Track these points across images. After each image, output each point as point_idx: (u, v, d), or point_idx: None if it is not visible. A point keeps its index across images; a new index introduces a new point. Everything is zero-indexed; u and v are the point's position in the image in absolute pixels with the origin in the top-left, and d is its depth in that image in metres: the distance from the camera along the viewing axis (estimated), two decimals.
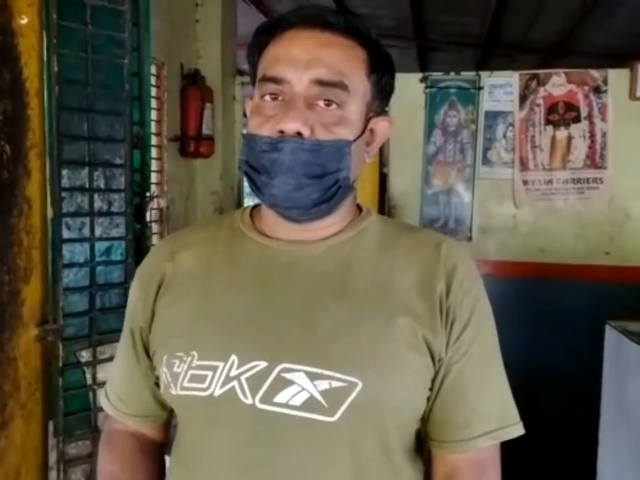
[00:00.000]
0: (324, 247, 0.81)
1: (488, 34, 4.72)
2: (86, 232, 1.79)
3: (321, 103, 0.75)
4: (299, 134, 0.73)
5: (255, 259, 0.82)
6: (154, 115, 2.75)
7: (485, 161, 3.52)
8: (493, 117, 3.48)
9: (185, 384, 0.75)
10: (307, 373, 0.71)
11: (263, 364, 0.72)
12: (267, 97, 0.77)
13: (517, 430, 0.79)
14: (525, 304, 3.49)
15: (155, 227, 2.86)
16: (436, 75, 3.54)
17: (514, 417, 0.80)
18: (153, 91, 2.73)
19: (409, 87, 3.49)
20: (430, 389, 0.77)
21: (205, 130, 3.17)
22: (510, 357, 3.48)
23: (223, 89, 3.43)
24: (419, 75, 3.52)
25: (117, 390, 0.91)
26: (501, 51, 5.12)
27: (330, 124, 0.75)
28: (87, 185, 1.78)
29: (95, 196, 1.81)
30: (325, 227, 0.81)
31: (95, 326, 1.81)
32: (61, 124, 1.69)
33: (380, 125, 0.83)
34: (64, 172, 1.73)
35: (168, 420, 0.92)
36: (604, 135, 3.38)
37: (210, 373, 0.74)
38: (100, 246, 1.83)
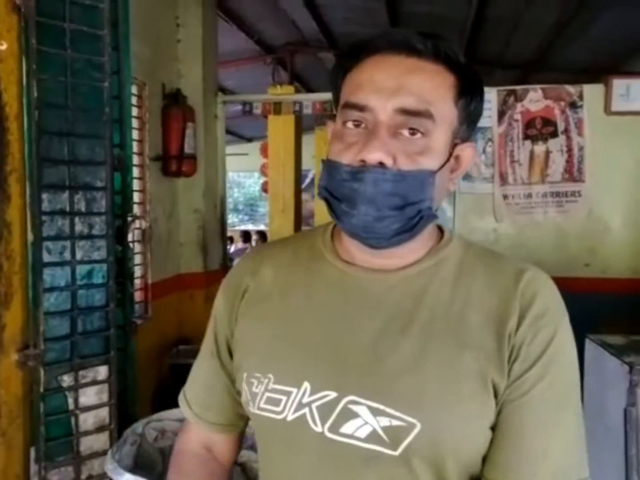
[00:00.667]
0: (400, 277, 0.79)
1: (466, 51, 4.80)
2: (67, 255, 1.79)
3: (405, 132, 0.72)
4: (381, 163, 0.71)
5: (332, 285, 0.81)
6: (135, 135, 2.76)
7: (466, 176, 3.55)
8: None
9: (262, 405, 0.77)
10: (370, 408, 0.72)
11: (333, 394, 0.73)
12: (349, 124, 0.75)
13: None
14: None
15: (137, 247, 2.86)
16: None
17: (578, 471, 0.73)
18: (134, 111, 2.74)
19: None
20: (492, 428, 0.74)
21: (187, 149, 3.19)
22: None
23: (205, 107, 3.45)
24: None
25: (199, 397, 0.91)
26: (479, 67, 5.20)
27: (414, 154, 0.72)
28: (67, 209, 1.78)
29: (76, 219, 1.80)
30: (405, 254, 0.80)
31: (77, 350, 1.80)
32: (41, 148, 1.70)
33: (466, 152, 0.79)
34: (44, 195, 1.73)
35: (242, 433, 0.94)
36: (581, 149, 3.44)
37: (284, 398, 0.76)
38: (81, 269, 1.83)
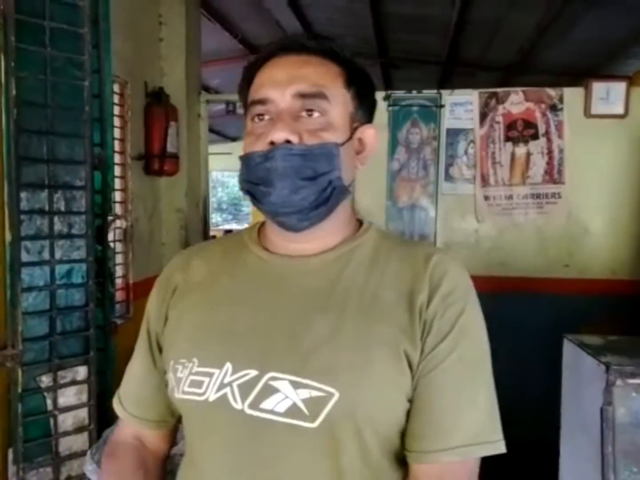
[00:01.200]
0: (317, 262, 0.85)
1: (449, 53, 4.83)
2: (46, 255, 1.77)
3: (304, 113, 0.81)
4: (288, 142, 0.79)
5: (253, 272, 0.87)
6: (117, 133, 2.74)
7: (448, 177, 3.57)
8: (454, 134, 3.55)
9: (186, 389, 0.80)
10: (291, 382, 0.75)
11: (253, 372, 0.77)
12: (256, 119, 0.83)
13: (493, 449, 0.78)
14: (487, 317, 3.54)
15: (119, 247, 2.84)
16: (398, 93, 3.60)
17: (492, 435, 0.79)
18: (116, 110, 2.72)
19: None
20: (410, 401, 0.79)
21: (170, 148, 3.17)
22: None
23: (188, 106, 3.43)
24: (382, 93, 3.57)
25: (132, 393, 0.94)
26: (462, 69, 5.24)
27: (316, 130, 0.81)
28: (46, 208, 1.77)
29: (56, 219, 1.79)
30: (323, 237, 0.85)
31: (56, 350, 1.79)
32: (20, 147, 1.68)
33: (367, 133, 0.88)
34: (23, 194, 1.71)
35: (175, 430, 0.96)
36: (561, 151, 3.47)
37: (207, 379, 0.79)
38: (60, 269, 1.81)
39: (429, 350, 0.78)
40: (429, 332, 0.78)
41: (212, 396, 0.78)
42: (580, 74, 4.25)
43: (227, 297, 0.86)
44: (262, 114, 0.82)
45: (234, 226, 10.91)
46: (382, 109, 3.53)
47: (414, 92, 3.59)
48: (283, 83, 0.81)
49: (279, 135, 0.79)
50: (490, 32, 4.31)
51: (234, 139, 9.05)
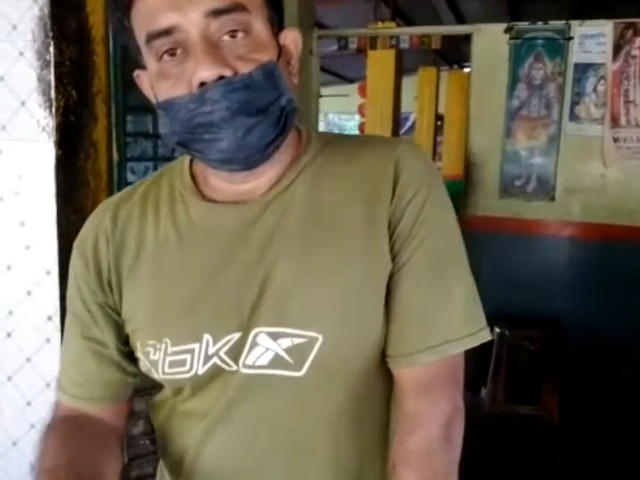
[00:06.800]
0: (266, 202, 0.75)
1: None
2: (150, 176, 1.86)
3: (226, 37, 0.67)
4: (221, 77, 0.65)
5: (204, 229, 0.77)
6: None
7: (573, 117, 3.33)
8: (583, 69, 3.27)
9: (167, 370, 0.75)
10: (269, 333, 0.71)
11: (237, 335, 0.72)
12: (165, 56, 0.67)
13: (475, 340, 0.73)
14: (611, 269, 3.32)
15: None
16: (522, 25, 3.35)
17: (471, 327, 0.73)
18: None
19: (491, 38, 3.34)
20: None
21: None
22: (592, 322, 3.32)
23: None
24: (503, 25, 3.34)
25: (73, 377, 0.83)
26: (598, 2, 4.75)
27: (246, 54, 0.67)
28: (150, 131, 1.85)
29: (159, 142, 1.87)
30: (272, 166, 0.74)
31: None
32: (126, 74, 1.75)
33: (289, 37, 0.74)
34: (128, 118, 1.79)
35: (129, 400, 0.86)
36: None
37: (188, 356, 0.74)
38: None
39: (397, 252, 0.73)
40: (394, 236, 0.73)
41: (200, 369, 0.73)
42: None
43: (180, 265, 0.76)
44: (172, 48, 0.66)
45: None
46: (502, 43, 3.32)
47: (540, 24, 3.32)
48: (185, 2, 0.64)
49: (209, 73, 0.64)
50: None
51: (351, 81, 8.96)
